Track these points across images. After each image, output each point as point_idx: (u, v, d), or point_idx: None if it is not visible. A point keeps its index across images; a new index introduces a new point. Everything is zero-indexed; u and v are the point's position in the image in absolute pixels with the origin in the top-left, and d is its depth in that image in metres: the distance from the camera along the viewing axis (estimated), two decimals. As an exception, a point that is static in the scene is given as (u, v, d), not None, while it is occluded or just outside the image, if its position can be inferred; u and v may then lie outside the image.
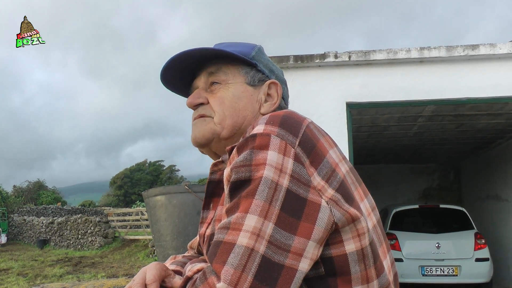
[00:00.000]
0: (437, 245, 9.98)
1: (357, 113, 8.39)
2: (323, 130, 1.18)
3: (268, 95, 1.40)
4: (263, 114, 1.33)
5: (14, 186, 51.26)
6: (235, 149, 1.11)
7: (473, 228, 10.42)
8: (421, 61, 7.09)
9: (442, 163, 16.32)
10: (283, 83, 1.47)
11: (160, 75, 1.43)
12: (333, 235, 1.05)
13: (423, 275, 9.89)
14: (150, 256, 18.34)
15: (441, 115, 9.21)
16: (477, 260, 9.86)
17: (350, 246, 1.06)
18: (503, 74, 7.01)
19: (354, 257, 1.06)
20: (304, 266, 1.00)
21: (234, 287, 0.94)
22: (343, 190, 1.07)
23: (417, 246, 10.20)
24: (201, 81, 1.40)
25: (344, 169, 1.13)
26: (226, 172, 1.12)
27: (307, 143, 1.07)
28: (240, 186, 1.04)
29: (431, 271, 9.87)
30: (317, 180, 1.04)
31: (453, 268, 9.79)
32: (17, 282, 13.82)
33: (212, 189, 1.33)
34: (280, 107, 1.41)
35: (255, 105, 1.36)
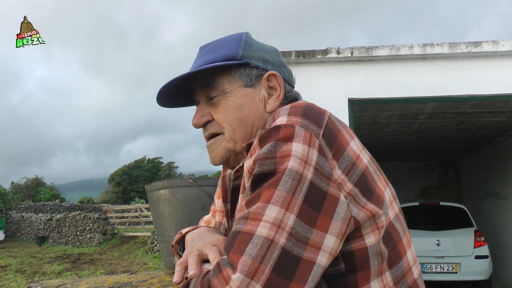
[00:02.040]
0: (437, 242, 10.00)
1: (358, 110, 8.38)
2: (342, 121, 1.15)
3: (270, 88, 1.34)
4: (270, 112, 1.30)
5: (12, 183, 51.12)
6: (256, 140, 1.08)
7: (473, 226, 10.45)
8: (423, 57, 7.09)
9: (442, 161, 16.35)
10: (281, 66, 1.40)
11: (158, 102, 1.39)
12: (354, 230, 1.03)
13: (423, 272, 9.90)
14: (149, 253, 18.34)
15: (442, 113, 9.22)
16: (477, 257, 9.89)
17: (370, 239, 1.04)
18: (506, 71, 7.01)
19: (374, 250, 1.05)
20: (323, 260, 0.97)
21: (251, 278, 0.91)
22: (362, 184, 1.05)
23: (417, 244, 10.20)
24: (199, 96, 1.35)
25: (366, 159, 1.11)
26: (248, 164, 1.08)
27: (330, 134, 1.05)
28: (264, 179, 1.02)
29: (431, 268, 9.90)
30: (337, 174, 1.02)
31: (453, 265, 9.83)
32: (16, 279, 13.82)
33: (236, 196, 1.27)
34: (286, 97, 1.35)
35: (259, 106, 1.31)
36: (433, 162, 16.40)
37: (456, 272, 9.80)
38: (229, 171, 1.40)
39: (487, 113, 9.31)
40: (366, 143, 11.58)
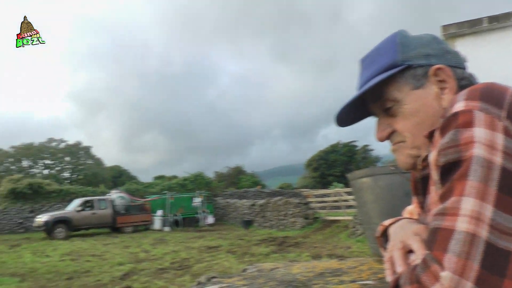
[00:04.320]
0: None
1: None
2: None
3: (440, 82, 1.25)
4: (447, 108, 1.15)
5: (216, 172, 54.55)
6: (437, 131, 1.05)
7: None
8: None
9: None
10: (445, 54, 1.30)
11: (339, 125, 1.43)
12: None
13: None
14: (352, 237, 18.37)
15: None
16: None
17: None
18: None
19: None
20: None
21: (460, 276, 0.87)
22: None
23: None
24: (374, 109, 1.35)
25: None
26: (433, 156, 1.06)
27: None
28: (451, 169, 0.98)
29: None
30: None
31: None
32: (227, 258, 14.63)
33: (425, 186, 1.26)
34: (460, 86, 1.24)
35: (434, 105, 1.24)
36: None
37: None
38: None
39: None
40: None
